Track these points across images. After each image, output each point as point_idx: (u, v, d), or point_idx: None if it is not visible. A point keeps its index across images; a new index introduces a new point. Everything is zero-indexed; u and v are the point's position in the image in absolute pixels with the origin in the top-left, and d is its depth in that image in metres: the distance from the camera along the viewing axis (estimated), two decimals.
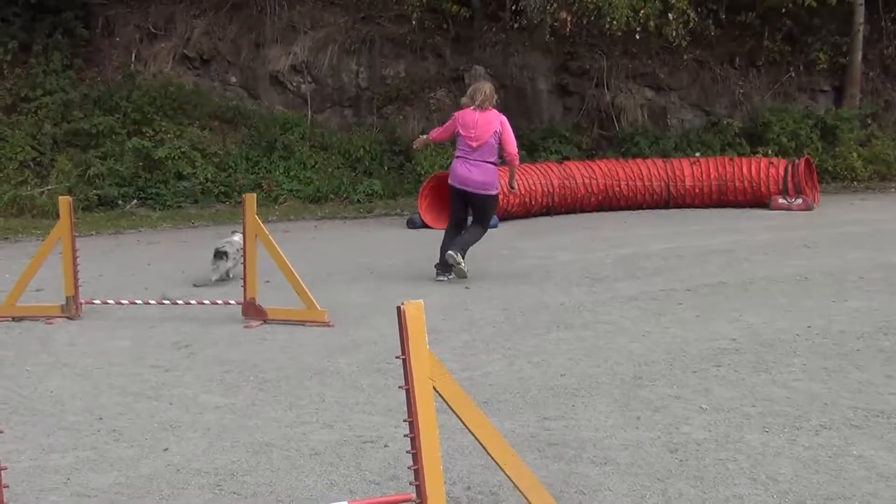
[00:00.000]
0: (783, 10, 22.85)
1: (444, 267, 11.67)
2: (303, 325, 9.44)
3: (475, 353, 8.35)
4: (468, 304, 10.28)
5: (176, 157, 19.77)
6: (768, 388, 7.18)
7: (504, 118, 11.66)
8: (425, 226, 16.46)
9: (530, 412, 6.73)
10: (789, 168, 18.28)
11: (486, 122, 11.48)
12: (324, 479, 5.61)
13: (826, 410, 6.65)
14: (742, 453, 5.87)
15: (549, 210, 17.71)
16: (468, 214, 11.99)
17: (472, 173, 11.54)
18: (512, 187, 12.50)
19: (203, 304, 10.07)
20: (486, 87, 11.81)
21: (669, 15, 21.00)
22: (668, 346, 8.42)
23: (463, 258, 11.49)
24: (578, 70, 22.98)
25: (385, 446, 6.08)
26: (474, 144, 11.47)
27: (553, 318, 9.59)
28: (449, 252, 11.49)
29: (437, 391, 4.50)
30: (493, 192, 11.72)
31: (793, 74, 23.88)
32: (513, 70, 22.77)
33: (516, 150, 11.75)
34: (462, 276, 11.52)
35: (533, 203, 17.43)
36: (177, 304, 10.14)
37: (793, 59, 23.99)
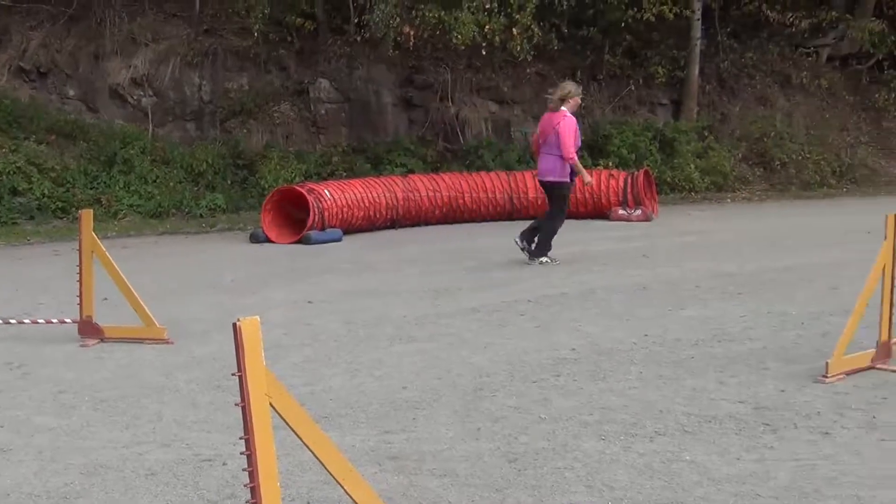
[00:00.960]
0: (623, 25, 23.37)
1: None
2: (141, 342, 9.26)
3: (317, 367, 8.30)
4: (310, 318, 10.23)
5: (11, 172, 19.19)
6: (605, 396, 7.30)
7: (566, 118, 13.17)
8: (269, 240, 16.31)
9: (371, 426, 6.71)
10: (629, 180, 18.66)
11: (548, 122, 13.35)
12: (160, 500, 5.51)
13: (661, 417, 6.79)
14: (579, 461, 5.96)
15: (393, 223, 17.74)
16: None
17: (539, 163, 13.57)
18: (585, 181, 13.98)
19: (38, 323, 9.80)
20: (559, 90, 13.52)
21: (514, 30, 21.27)
22: (509, 356, 8.50)
23: (543, 254, 13.36)
24: (423, 83, 23.10)
25: (223, 464, 6.00)
26: (541, 140, 13.45)
27: (396, 330, 9.60)
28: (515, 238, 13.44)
29: (273, 408, 4.45)
30: (551, 179, 13.36)
31: (633, 88, 24.42)
32: (357, 83, 22.78)
33: (570, 149, 13.11)
34: (533, 259, 13.39)
35: (377, 216, 17.44)
36: (10, 323, 9.84)
37: (633, 72, 24.55)
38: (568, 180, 13.39)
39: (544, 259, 13.33)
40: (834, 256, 13.43)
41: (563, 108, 13.22)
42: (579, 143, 13.56)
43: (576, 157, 13.21)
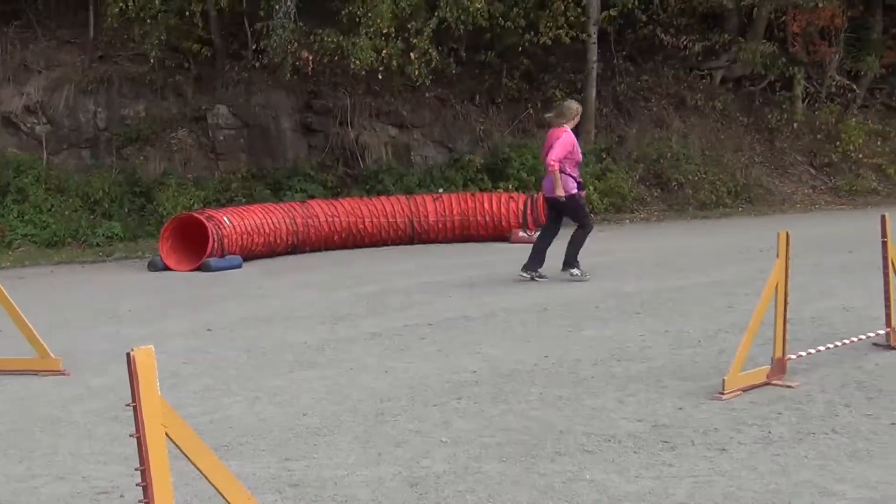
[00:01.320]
0: (520, 49, 23.57)
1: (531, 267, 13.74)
2: (36, 374, 9.09)
3: (216, 396, 8.21)
4: (210, 346, 10.13)
5: None
6: (507, 418, 7.32)
7: (565, 133, 13.32)
8: (167, 268, 16.13)
9: (271, 454, 6.65)
10: (528, 202, 18.80)
11: (549, 138, 13.52)
12: None
13: (561, 438, 6.82)
14: (480, 483, 5.96)
15: (293, 249, 17.65)
16: (557, 219, 13.94)
17: (543, 181, 13.80)
18: (557, 193, 13.35)
19: None
20: (561, 107, 13.88)
21: (412, 54, 21.36)
22: (410, 381, 8.49)
23: (573, 266, 13.72)
24: (322, 108, 23.06)
25: (120, 496, 5.90)
26: (543, 157, 13.52)
27: (296, 357, 9.54)
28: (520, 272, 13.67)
29: (170, 437, 4.39)
30: (556, 195, 13.28)
31: (531, 111, 24.59)
32: (256, 109, 22.67)
33: (553, 158, 13.12)
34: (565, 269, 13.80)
35: (278, 242, 17.34)
36: None
37: (531, 96, 24.75)
38: (574, 192, 13.41)
39: (575, 271, 13.57)
40: (730, 275, 13.64)
41: (564, 124, 13.39)
42: (578, 159, 13.62)
43: (556, 166, 13.12)
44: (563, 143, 13.15)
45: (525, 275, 13.57)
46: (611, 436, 6.84)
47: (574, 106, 13.75)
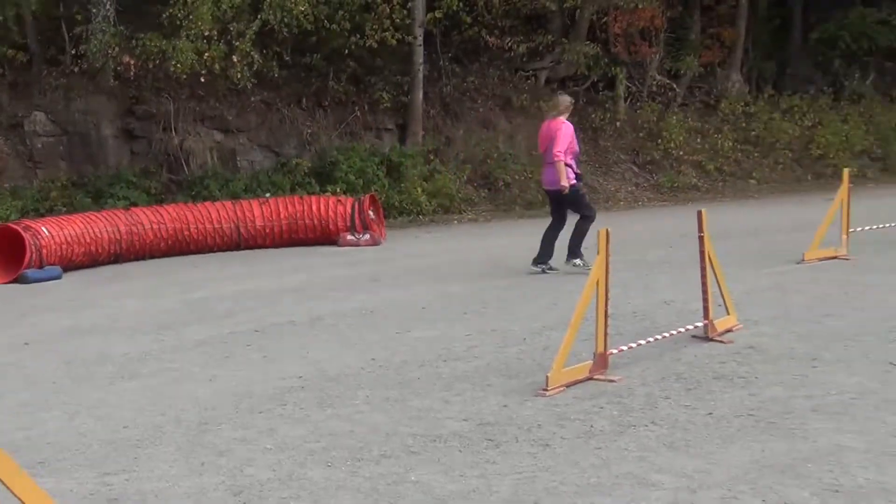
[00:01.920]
0: (346, 52, 23.51)
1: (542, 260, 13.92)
2: None
3: (33, 411, 7.95)
4: (27, 361, 9.81)
5: None
6: (332, 422, 7.28)
7: (565, 125, 13.46)
8: None
9: (90, 469, 6.47)
10: (356, 205, 18.74)
11: (546, 130, 13.61)
12: None
13: (387, 440, 6.81)
14: (305, 489, 5.91)
15: (116, 258, 17.23)
16: (560, 210, 13.95)
17: (543, 174, 13.95)
18: (561, 184, 13.37)
19: None
20: (556, 100, 14.12)
21: (234, 57, 21.11)
22: (236, 388, 8.37)
23: (576, 257, 13.74)
24: (145, 114, 22.56)
25: None
26: (542, 150, 13.73)
27: (117, 368, 9.31)
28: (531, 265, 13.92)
29: None
30: (556, 188, 13.44)
31: (358, 114, 24.54)
32: (76, 115, 22.05)
33: (558, 149, 13.26)
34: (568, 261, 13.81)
35: (100, 251, 16.89)
36: None
37: (358, 98, 24.68)
38: (575, 182, 13.53)
39: (577, 262, 13.60)
40: (555, 272, 13.81)
41: (559, 116, 13.53)
42: (576, 150, 13.78)
43: (562, 158, 13.25)
44: (565, 134, 13.33)
45: (536, 268, 13.79)
46: (436, 436, 6.86)
47: (567, 99, 13.96)
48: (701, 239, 9.57)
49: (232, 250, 18.11)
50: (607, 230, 8.29)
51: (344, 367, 8.94)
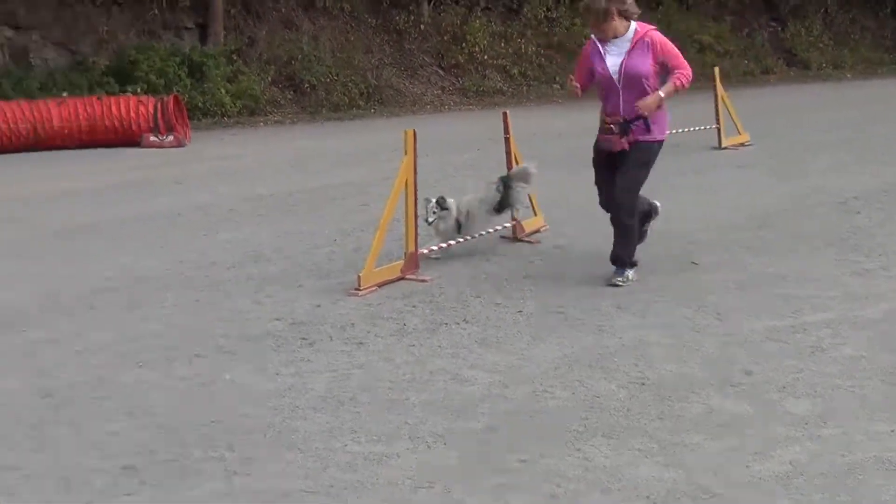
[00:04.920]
0: None
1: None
2: None
3: None
4: None
5: None
6: (142, 324, 7.18)
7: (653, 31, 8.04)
8: None
9: None
10: (158, 105, 18.29)
11: (657, 45, 7.90)
12: None
13: (199, 341, 6.76)
14: (118, 391, 5.83)
15: None
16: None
17: (652, 116, 7.92)
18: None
19: None
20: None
21: None
22: (41, 291, 8.16)
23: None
24: None
25: None
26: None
27: None
28: None
29: None
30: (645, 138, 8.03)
31: (156, 11, 23.82)
32: None
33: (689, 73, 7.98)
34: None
35: None
36: None
37: None
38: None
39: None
40: (363, 175, 13.83)
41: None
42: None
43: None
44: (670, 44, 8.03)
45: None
46: (249, 336, 6.85)
47: None
48: (507, 140, 9.72)
49: (28, 151, 17.45)
50: (414, 131, 8.33)
51: (151, 270, 8.80)
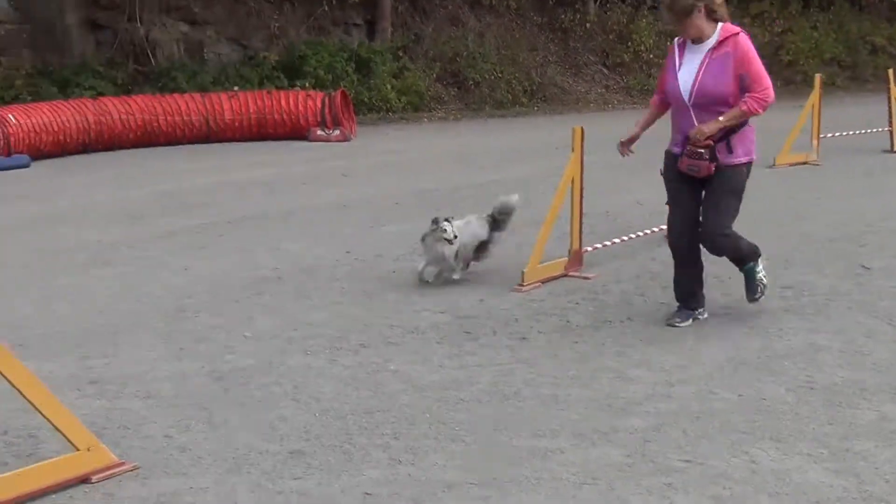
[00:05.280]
0: None
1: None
2: None
3: (8, 296, 7.94)
4: None
5: None
6: (309, 313, 7.31)
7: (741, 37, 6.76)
8: None
9: (69, 352, 6.48)
10: (326, 100, 18.61)
11: (740, 50, 6.70)
12: None
13: (365, 331, 6.85)
14: (285, 377, 5.95)
15: (85, 147, 17.06)
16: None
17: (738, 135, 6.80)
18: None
19: None
20: None
21: None
22: (211, 278, 8.38)
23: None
24: (109, 3, 22.15)
25: None
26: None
27: (90, 256, 9.28)
28: None
29: None
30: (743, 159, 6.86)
31: (326, 8, 24.19)
32: (39, 3, 21.62)
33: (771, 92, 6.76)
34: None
35: (68, 140, 16.71)
36: None
37: None
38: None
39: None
40: (526, 171, 13.83)
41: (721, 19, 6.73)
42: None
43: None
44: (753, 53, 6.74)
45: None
46: (414, 328, 6.91)
47: None
48: None
49: (201, 143, 17.94)
50: (581, 128, 8.29)
51: (319, 259, 8.95)
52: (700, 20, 6.55)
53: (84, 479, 4.55)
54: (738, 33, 6.59)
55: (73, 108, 17.08)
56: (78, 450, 4.57)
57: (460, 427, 5.15)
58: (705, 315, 7.00)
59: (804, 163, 14.12)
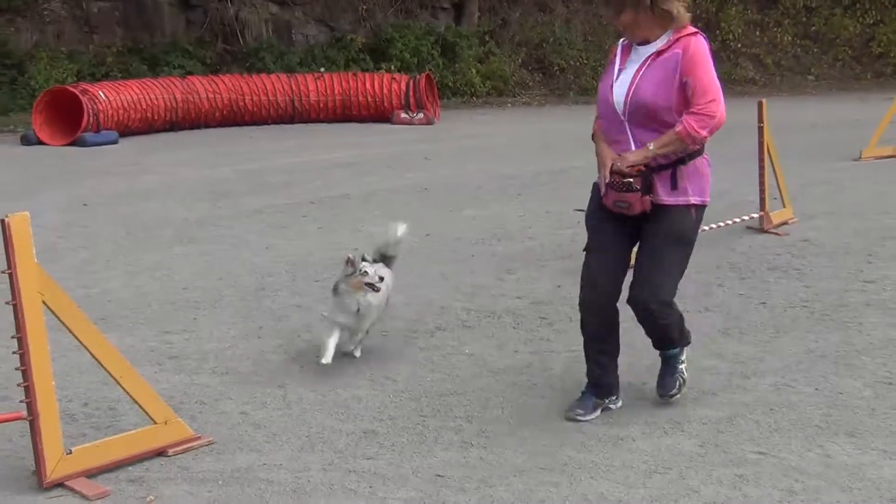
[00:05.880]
0: None
1: None
2: None
3: (94, 270, 8.10)
4: (86, 221, 9.96)
5: None
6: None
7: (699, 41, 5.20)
8: (41, 142, 15.72)
9: (150, 326, 6.61)
10: (411, 83, 18.69)
11: (692, 54, 5.10)
12: None
13: (441, 314, 6.89)
14: (361, 358, 6.00)
15: (172, 125, 17.32)
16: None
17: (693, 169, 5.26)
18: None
19: None
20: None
21: None
22: (292, 257, 8.48)
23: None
24: None
25: None
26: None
27: (176, 233, 9.44)
28: None
29: (46, 306, 4.33)
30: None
31: None
32: None
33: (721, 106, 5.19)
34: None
35: (156, 118, 17.00)
36: None
37: None
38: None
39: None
40: None
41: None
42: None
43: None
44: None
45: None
46: (490, 312, 6.93)
47: None
48: (760, 129, 9.49)
49: (286, 123, 18.13)
50: (763, 101, 8.26)
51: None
52: (645, 16, 4.86)
53: (160, 452, 4.64)
54: (694, 33, 4.87)
55: (161, 86, 17.35)
56: (155, 423, 4.66)
57: (533, 412, 5.17)
58: (619, 404, 5.21)
59: (892, 156, 13.88)
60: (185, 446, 4.70)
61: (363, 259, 5.97)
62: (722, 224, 9.08)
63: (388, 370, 5.78)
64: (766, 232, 9.33)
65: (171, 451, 4.65)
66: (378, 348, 6.16)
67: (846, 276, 7.78)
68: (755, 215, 9.41)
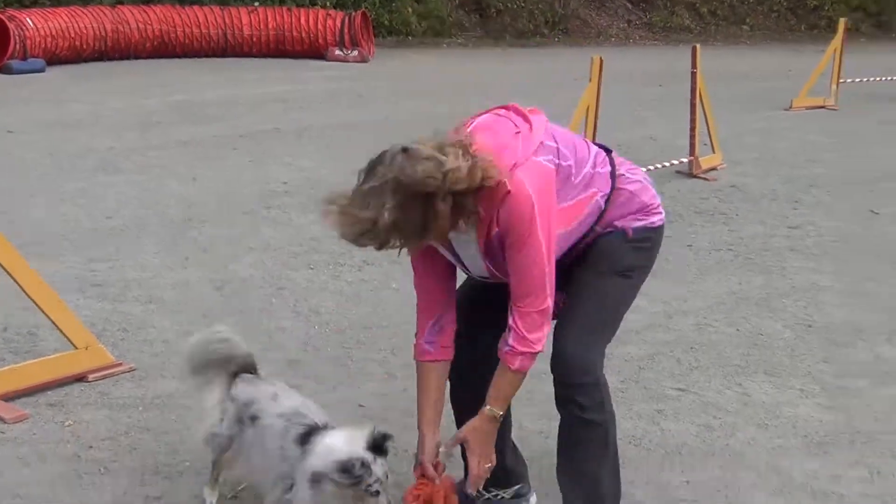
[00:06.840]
0: None
1: None
2: None
3: (17, 197, 7.95)
4: (11, 149, 9.76)
5: None
6: (315, 228, 7.29)
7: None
8: None
9: (75, 254, 6.53)
10: (346, 20, 18.51)
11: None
12: None
13: (368, 248, 6.84)
14: (286, 289, 5.99)
15: (101, 55, 17.00)
16: None
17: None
18: None
19: None
20: None
21: None
22: (220, 189, 8.40)
23: None
24: None
25: None
26: None
27: (101, 162, 9.29)
28: None
29: None
30: None
31: None
32: None
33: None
34: None
35: (84, 47, 16.66)
36: None
37: None
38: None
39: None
40: (541, 101, 13.69)
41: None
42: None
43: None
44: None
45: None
46: None
47: None
48: (693, 75, 9.55)
49: (218, 57, 17.89)
50: (600, 58, 8.26)
51: (328, 177, 8.92)
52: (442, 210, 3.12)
53: (81, 378, 4.60)
54: (506, 193, 3.12)
55: (90, 14, 17.01)
56: (76, 348, 4.62)
57: None
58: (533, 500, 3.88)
59: (821, 107, 14.03)
60: (105, 372, 4.66)
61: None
62: (651, 168, 9.12)
63: (313, 303, 5.77)
64: (694, 177, 9.42)
65: (91, 377, 4.61)
66: (304, 281, 6.14)
67: (771, 222, 7.89)
68: (685, 160, 9.48)
